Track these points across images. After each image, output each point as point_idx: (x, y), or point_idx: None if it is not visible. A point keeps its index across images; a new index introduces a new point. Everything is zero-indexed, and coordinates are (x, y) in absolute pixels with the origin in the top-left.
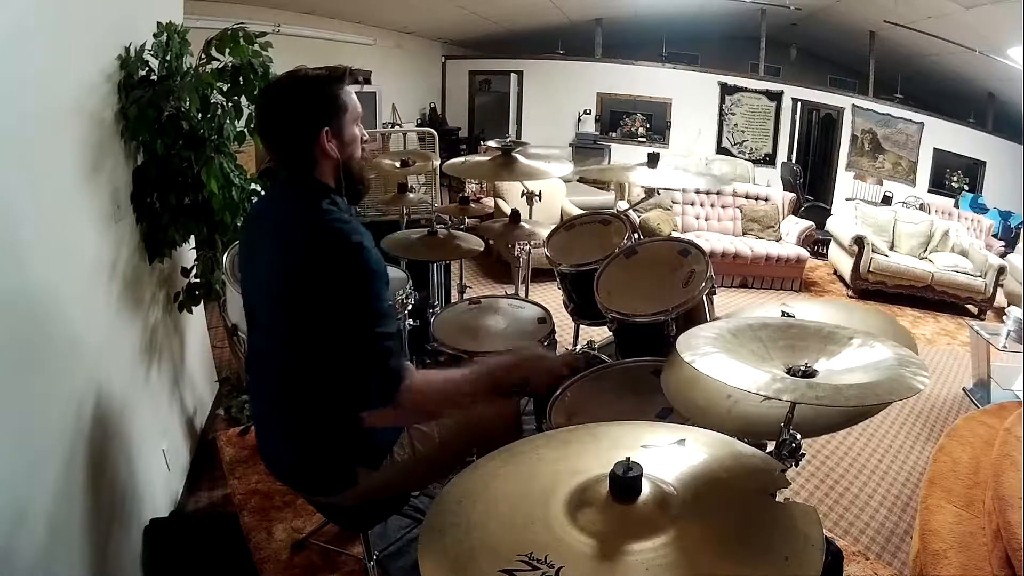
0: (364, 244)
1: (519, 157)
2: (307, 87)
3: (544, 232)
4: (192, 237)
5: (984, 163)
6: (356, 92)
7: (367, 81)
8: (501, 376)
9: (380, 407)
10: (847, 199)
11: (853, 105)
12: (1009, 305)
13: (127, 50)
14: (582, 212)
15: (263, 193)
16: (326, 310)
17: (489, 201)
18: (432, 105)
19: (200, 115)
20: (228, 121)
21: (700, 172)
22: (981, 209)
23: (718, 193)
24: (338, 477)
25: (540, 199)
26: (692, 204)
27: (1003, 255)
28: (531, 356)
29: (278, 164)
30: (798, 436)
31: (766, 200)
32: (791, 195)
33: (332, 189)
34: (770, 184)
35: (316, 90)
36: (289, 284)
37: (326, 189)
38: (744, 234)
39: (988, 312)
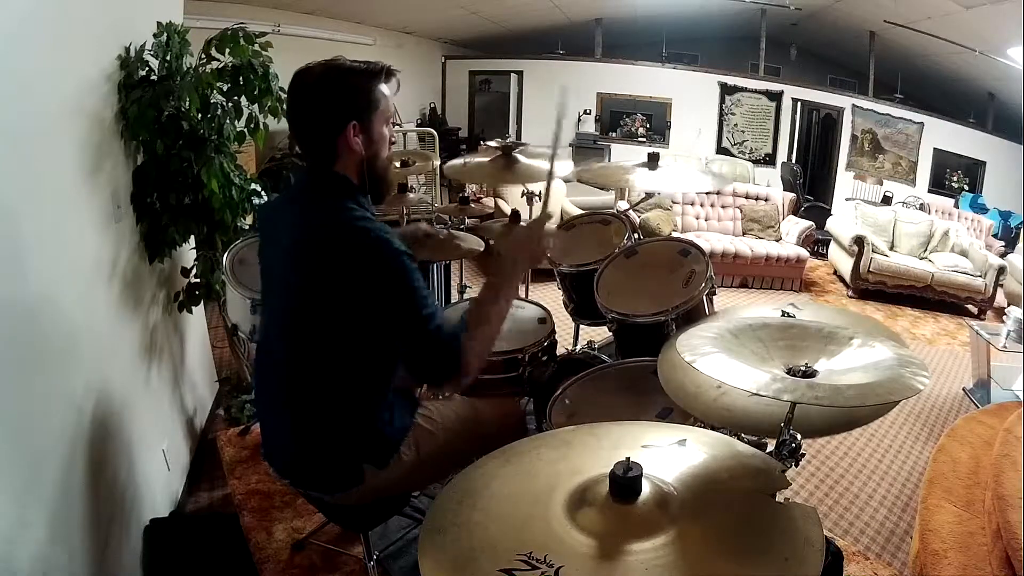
0: (389, 238)
1: (520, 157)
2: (341, 77)
3: None
4: (192, 237)
5: (984, 163)
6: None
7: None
8: (512, 280)
9: (444, 385)
10: (847, 199)
11: (853, 105)
12: (1009, 305)
13: (127, 50)
14: (582, 212)
15: (285, 188)
16: (365, 311)
17: (489, 201)
18: (432, 105)
19: (200, 115)
20: (228, 121)
21: (702, 171)
22: (981, 209)
23: (718, 193)
24: (345, 474)
25: (540, 199)
26: (692, 204)
27: (1003, 255)
28: (512, 243)
29: (301, 152)
30: (798, 436)
31: (766, 200)
32: (791, 195)
33: (355, 186)
34: (770, 184)
35: (350, 82)
36: (310, 285)
37: (348, 187)
38: (744, 234)
39: (988, 312)
